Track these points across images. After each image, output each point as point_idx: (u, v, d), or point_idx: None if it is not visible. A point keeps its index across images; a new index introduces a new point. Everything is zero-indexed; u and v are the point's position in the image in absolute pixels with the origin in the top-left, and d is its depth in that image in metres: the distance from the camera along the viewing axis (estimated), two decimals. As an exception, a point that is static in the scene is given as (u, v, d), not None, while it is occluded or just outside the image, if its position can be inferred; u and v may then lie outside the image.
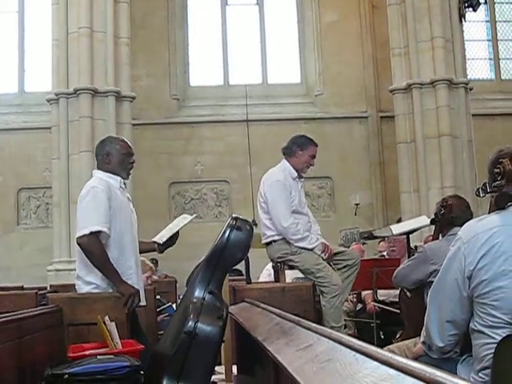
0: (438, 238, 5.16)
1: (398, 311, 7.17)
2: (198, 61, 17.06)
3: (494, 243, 2.81)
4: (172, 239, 5.38)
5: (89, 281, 4.75)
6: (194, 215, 5.77)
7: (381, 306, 7.61)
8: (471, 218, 4.63)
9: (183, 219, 5.62)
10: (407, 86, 12.64)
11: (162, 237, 5.31)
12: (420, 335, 3.99)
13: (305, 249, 5.85)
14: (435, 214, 5.15)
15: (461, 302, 2.91)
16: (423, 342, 3.21)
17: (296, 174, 6.07)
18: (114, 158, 4.94)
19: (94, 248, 4.62)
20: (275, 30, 17.22)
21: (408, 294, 5.38)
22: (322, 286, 5.68)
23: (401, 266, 5.04)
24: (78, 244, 4.64)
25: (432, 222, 5.25)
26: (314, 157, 6.15)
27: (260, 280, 8.40)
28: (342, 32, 16.57)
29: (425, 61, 12.54)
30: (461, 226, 4.32)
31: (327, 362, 1.32)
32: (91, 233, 4.59)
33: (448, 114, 12.41)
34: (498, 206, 2.91)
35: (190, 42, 17.10)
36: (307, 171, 6.20)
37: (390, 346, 4.61)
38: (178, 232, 5.43)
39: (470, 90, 13.01)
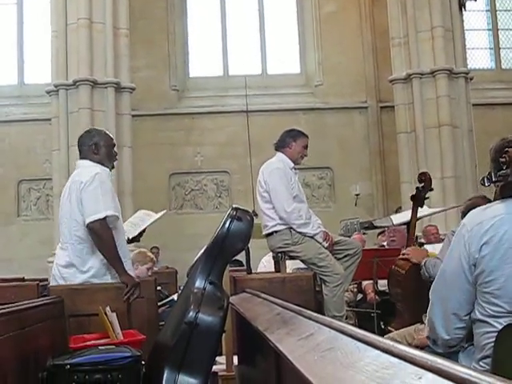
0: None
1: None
2: (198, 52, 17.04)
3: (498, 231, 2.80)
4: (139, 235, 5.52)
5: (86, 269, 4.77)
6: (164, 211, 5.86)
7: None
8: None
9: (147, 215, 5.74)
10: (407, 75, 12.64)
11: (128, 232, 5.35)
12: (417, 315, 4.00)
13: (306, 236, 5.87)
14: (416, 188, 5.18)
15: (468, 291, 2.90)
16: (427, 337, 3.19)
17: (292, 165, 6.15)
18: (102, 148, 5.03)
19: (105, 233, 4.68)
20: (275, 21, 17.20)
21: (402, 271, 5.36)
22: (325, 275, 5.69)
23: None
24: (90, 229, 4.66)
25: (412, 197, 5.29)
26: (306, 147, 6.27)
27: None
28: (342, 22, 16.54)
29: (425, 50, 12.54)
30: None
31: (328, 350, 1.33)
32: (104, 218, 4.65)
33: (448, 104, 12.41)
34: (503, 195, 2.91)
35: (190, 32, 17.08)
36: (301, 162, 6.31)
37: (391, 334, 4.62)
38: (144, 229, 5.57)
39: (471, 79, 13.01)
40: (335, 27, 16.47)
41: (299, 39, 17.11)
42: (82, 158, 5.07)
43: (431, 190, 5.71)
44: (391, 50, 13.07)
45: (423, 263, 4.78)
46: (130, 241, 5.42)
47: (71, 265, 4.83)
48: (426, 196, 5.87)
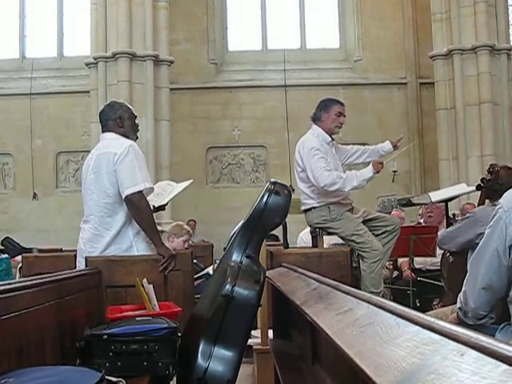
0: (482, 205, 5.14)
1: (434, 281, 7.18)
2: (237, 25, 16.98)
3: None
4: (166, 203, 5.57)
5: (112, 241, 4.79)
6: (190, 181, 5.85)
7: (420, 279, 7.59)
8: None
9: (169, 185, 5.77)
10: (448, 51, 12.49)
11: (151, 201, 5.33)
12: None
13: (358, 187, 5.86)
14: (481, 180, 5.12)
15: (500, 270, 2.89)
16: (459, 308, 3.20)
17: (329, 139, 6.04)
18: (126, 121, 5.02)
19: (144, 205, 4.71)
20: (314, -6, 17.06)
21: (450, 258, 5.36)
22: (363, 251, 5.66)
23: (448, 229, 5.10)
24: (128, 201, 4.68)
25: (478, 187, 5.23)
26: (340, 114, 6.07)
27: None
28: (382, -4, 16.38)
29: (466, 26, 12.37)
30: None
31: (368, 326, 1.32)
32: (142, 191, 4.68)
33: (489, 81, 12.25)
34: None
35: (229, 6, 17.01)
36: (338, 131, 6.13)
37: (428, 313, 4.60)
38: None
39: (513, 56, 12.82)
40: (375, 1, 16.29)
41: (339, 13, 16.95)
42: (105, 131, 5.07)
43: (499, 183, 5.50)
44: (432, 26, 12.92)
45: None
46: (156, 209, 5.42)
47: (96, 237, 4.83)
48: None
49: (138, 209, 4.69)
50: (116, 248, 4.78)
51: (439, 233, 5.22)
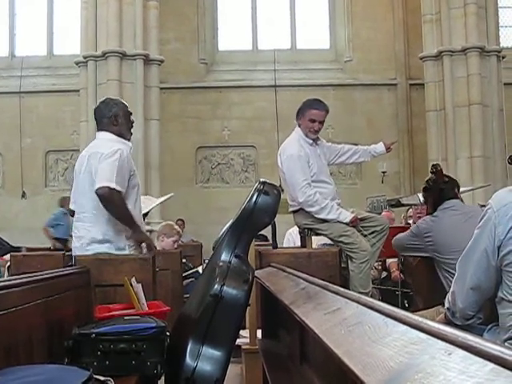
0: (432, 211, 5.12)
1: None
2: (227, 25, 16.99)
3: None
4: (144, 215, 5.56)
5: (102, 238, 4.78)
6: (171, 194, 5.84)
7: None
8: (455, 190, 4.74)
9: (148, 200, 5.78)
10: (438, 53, 12.53)
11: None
12: (430, 305, 4.00)
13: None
14: (427, 182, 5.14)
15: (488, 270, 2.90)
16: (448, 309, 3.20)
17: (311, 140, 5.96)
18: (121, 118, 4.97)
19: (116, 198, 4.63)
20: (305, -5, 17.08)
21: (413, 262, 5.38)
22: (351, 251, 5.64)
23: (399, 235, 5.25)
24: (99, 194, 4.63)
25: (424, 189, 5.24)
26: (313, 121, 5.90)
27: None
28: (373, -3, 16.42)
29: (457, 28, 12.41)
30: (451, 198, 4.43)
31: (356, 325, 1.32)
32: (113, 189, 4.62)
33: (479, 83, 12.29)
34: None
35: (219, 5, 17.01)
36: (313, 137, 5.95)
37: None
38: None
39: (503, 58, 12.86)
40: (366, 2, 16.33)
41: (329, 14, 16.97)
42: (100, 129, 5.02)
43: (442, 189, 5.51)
44: (423, 27, 12.95)
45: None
46: None
47: (89, 234, 4.82)
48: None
49: (109, 201, 4.62)
50: (109, 247, 4.78)
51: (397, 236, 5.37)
